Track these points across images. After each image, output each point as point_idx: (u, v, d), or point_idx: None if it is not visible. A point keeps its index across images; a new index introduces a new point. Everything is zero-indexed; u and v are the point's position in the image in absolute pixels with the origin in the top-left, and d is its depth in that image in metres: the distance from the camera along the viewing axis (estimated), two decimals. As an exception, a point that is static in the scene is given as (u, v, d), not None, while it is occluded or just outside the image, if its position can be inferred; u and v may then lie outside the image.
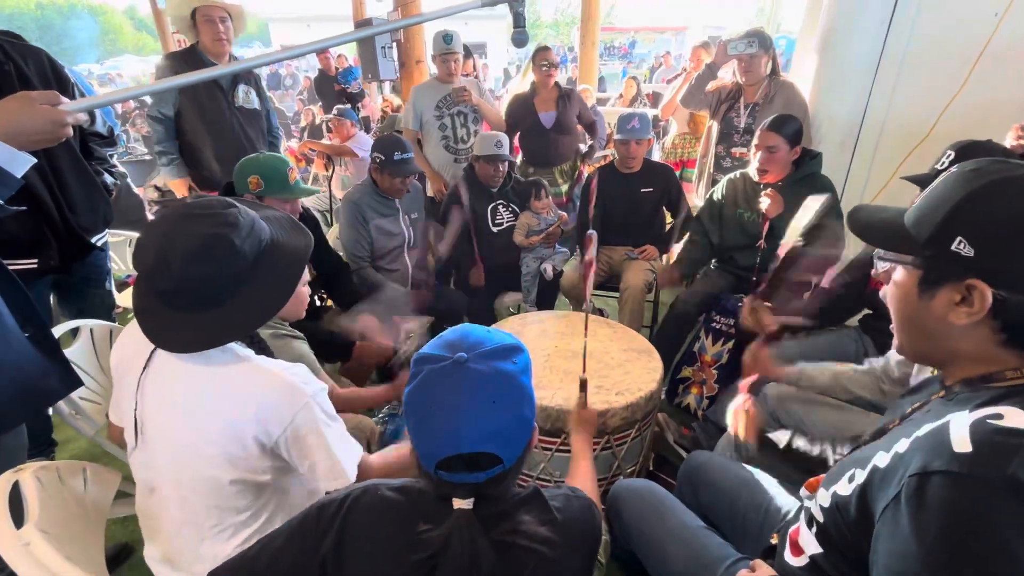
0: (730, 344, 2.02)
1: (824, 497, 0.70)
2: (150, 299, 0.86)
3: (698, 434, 1.87)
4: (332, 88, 5.76)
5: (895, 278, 0.67)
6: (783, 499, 1.02)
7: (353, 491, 0.73)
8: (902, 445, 0.60)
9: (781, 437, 1.13)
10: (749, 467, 1.18)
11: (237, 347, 0.91)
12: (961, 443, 0.52)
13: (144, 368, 0.89)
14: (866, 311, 1.70)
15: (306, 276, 1.02)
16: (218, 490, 0.87)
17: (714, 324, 2.06)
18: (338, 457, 0.90)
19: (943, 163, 1.40)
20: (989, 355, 0.61)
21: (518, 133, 3.01)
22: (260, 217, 0.92)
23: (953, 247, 0.58)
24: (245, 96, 2.37)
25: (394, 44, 3.97)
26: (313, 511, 0.73)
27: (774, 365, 1.43)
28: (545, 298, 2.51)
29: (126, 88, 1.46)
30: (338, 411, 0.95)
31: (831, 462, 1.00)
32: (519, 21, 1.26)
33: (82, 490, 1.01)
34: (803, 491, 0.83)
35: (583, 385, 1.28)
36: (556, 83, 2.93)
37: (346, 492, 0.73)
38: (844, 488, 0.66)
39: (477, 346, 0.69)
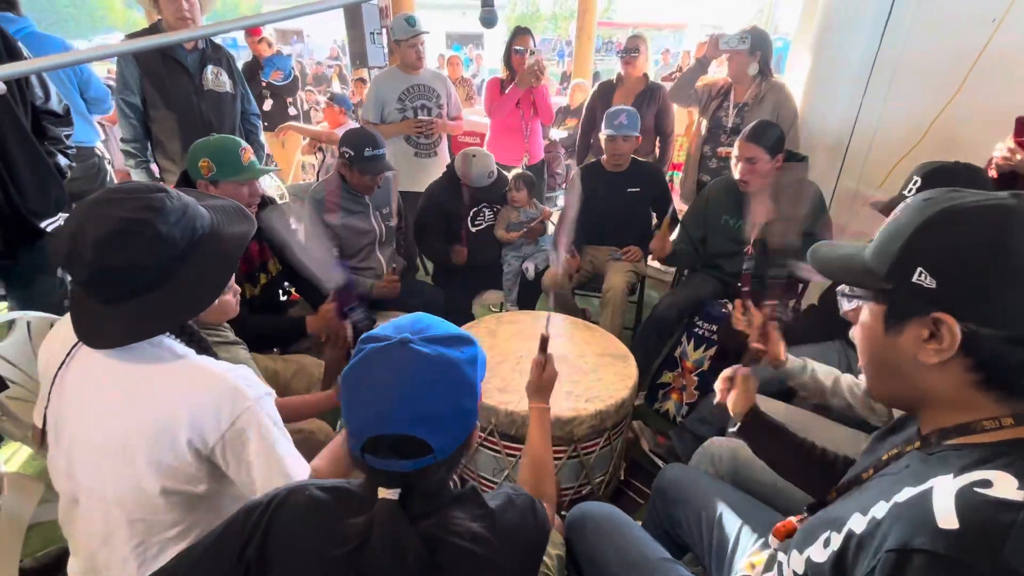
0: (712, 351, 1.97)
1: (797, 562, 0.65)
2: (76, 290, 0.80)
3: (674, 442, 1.82)
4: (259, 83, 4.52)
5: (861, 318, 0.65)
6: (756, 523, 0.97)
7: (280, 492, 0.69)
8: (879, 509, 0.54)
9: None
10: (724, 484, 1.13)
11: (173, 344, 0.84)
12: (946, 518, 0.47)
13: (64, 363, 0.82)
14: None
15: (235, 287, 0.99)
16: (146, 503, 0.80)
17: (696, 329, 2.00)
18: (281, 467, 0.84)
19: (910, 189, 1.34)
20: (965, 399, 0.56)
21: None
22: (203, 205, 0.85)
23: (914, 279, 0.56)
24: (215, 78, 2.19)
25: (383, 29, 3.88)
26: (240, 515, 0.68)
27: (778, 348, 1.24)
28: (526, 298, 2.45)
29: (63, 54, 1.35)
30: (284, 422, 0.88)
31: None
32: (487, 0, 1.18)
33: (-5, 499, 0.93)
34: (771, 539, 0.77)
35: (544, 344, 1.11)
36: (645, 75, 2.78)
37: (273, 493, 0.69)
38: (819, 554, 0.61)
39: (425, 330, 0.68)
